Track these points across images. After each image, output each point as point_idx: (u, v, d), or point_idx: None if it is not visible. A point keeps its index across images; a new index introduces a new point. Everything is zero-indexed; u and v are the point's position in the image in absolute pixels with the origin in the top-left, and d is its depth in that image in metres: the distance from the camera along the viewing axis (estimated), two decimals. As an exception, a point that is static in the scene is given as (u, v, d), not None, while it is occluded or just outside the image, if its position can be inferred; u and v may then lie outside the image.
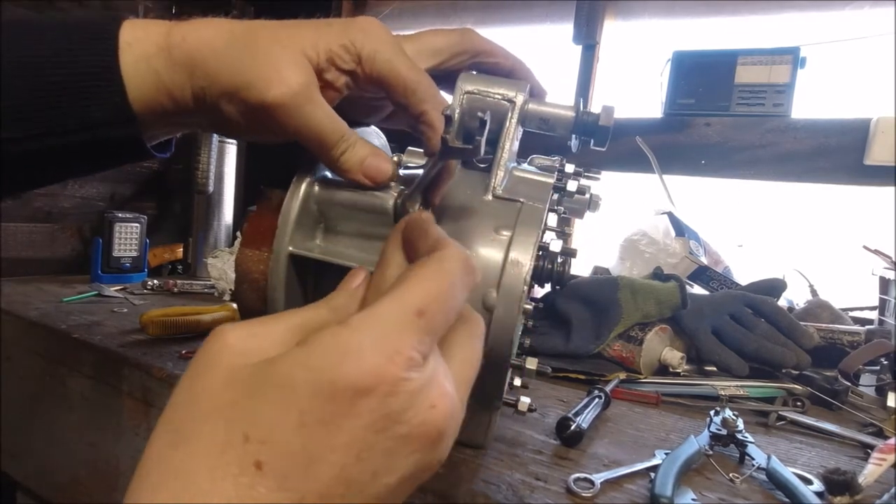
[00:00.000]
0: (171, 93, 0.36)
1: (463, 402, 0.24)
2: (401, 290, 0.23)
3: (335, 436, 0.20)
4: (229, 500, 0.19)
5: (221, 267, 0.93)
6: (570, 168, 0.45)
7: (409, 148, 0.48)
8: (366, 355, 0.20)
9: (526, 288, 0.35)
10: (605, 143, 0.42)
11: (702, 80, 1.09)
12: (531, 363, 0.39)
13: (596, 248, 1.11)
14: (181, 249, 1.20)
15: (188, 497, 0.19)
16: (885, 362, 0.72)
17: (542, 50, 1.35)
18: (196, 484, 0.19)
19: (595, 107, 0.41)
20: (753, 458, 0.45)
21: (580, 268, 1.06)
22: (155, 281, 0.99)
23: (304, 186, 0.38)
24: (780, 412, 0.59)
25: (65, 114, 0.34)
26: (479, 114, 0.32)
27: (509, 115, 0.41)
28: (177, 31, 0.35)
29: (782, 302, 0.87)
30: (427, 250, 0.26)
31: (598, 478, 0.40)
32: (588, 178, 0.47)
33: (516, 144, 0.42)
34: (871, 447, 0.50)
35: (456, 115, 0.40)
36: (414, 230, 0.28)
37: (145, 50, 0.35)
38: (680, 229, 0.98)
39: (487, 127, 0.32)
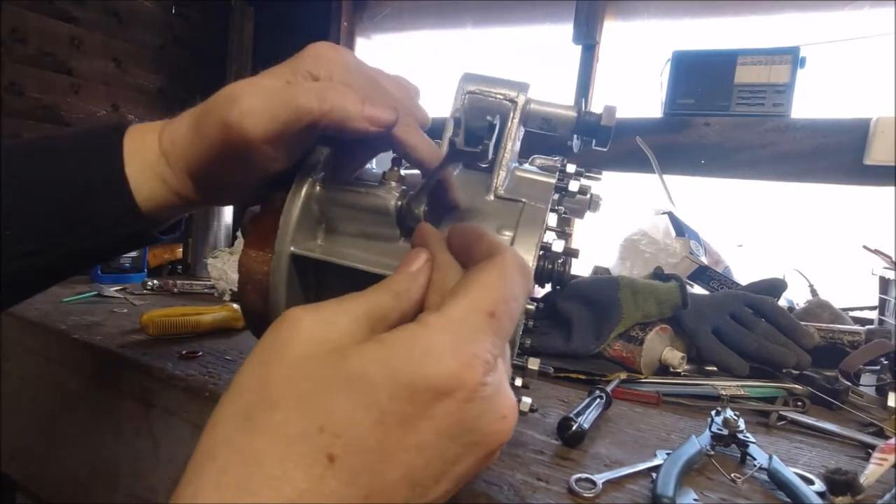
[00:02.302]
0: (178, 192, 0.40)
1: None
2: (470, 292, 0.23)
3: (410, 436, 0.20)
4: (299, 490, 0.19)
5: (221, 267, 0.93)
6: (571, 168, 0.45)
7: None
8: (445, 358, 0.21)
9: (528, 288, 0.35)
10: (606, 144, 0.42)
11: (701, 80, 1.09)
12: (533, 363, 0.39)
13: (596, 248, 1.11)
14: (181, 249, 1.20)
15: (257, 483, 0.19)
16: (885, 362, 0.72)
17: (542, 50, 1.35)
18: (266, 471, 0.19)
19: (595, 107, 0.41)
20: (755, 458, 0.45)
21: (580, 268, 1.06)
22: (155, 281, 0.98)
23: (305, 187, 0.38)
24: (780, 412, 0.59)
25: (81, 224, 0.38)
26: (489, 118, 0.32)
27: (511, 115, 0.41)
28: (166, 137, 0.39)
29: (782, 302, 0.87)
30: (485, 254, 0.26)
31: (600, 478, 0.40)
32: (589, 178, 0.47)
33: (518, 144, 0.42)
34: (872, 447, 0.50)
35: (463, 119, 0.40)
36: (467, 236, 0.28)
37: (147, 158, 0.39)
38: (680, 229, 0.98)
39: (497, 131, 0.32)
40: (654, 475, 0.41)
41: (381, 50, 1.66)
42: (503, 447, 0.24)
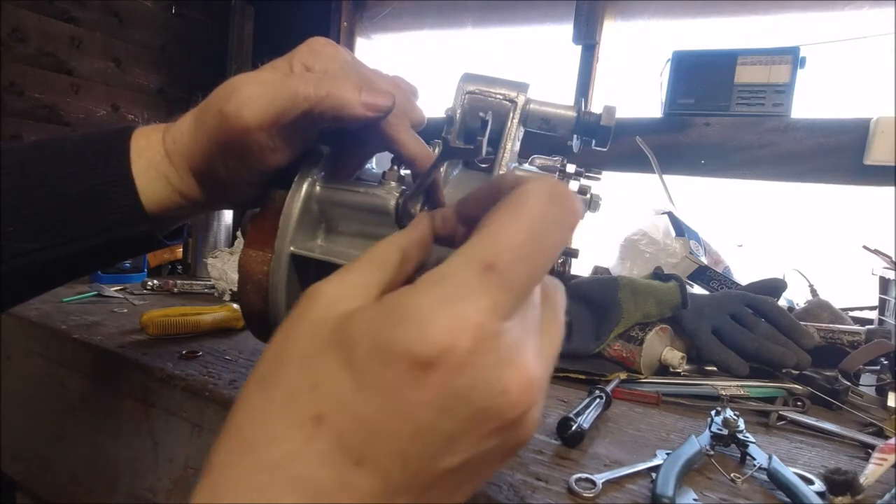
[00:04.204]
0: (181, 191, 0.40)
1: (546, 383, 0.21)
2: (469, 243, 0.20)
3: (390, 405, 0.19)
4: (292, 448, 0.19)
5: (221, 267, 0.93)
6: (571, 168, 0.45)
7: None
8: (427, 322, 0.18)
9: (527, 288, 0.35)
10: (606, 144, 0.42)
11: (702, 80, 1.09)
12: (532, 363, 0.39)
13: (596, 248, 1.11)
14: (181, 249, 1.20)
15: (263, 439, 0.20)
16: (885, 362, 0.72)
17: (542, 50, 1.35)
18: (269, 427, 0.20)
19: (595, 107, 0.41)
20: (754, 458, 0.45)
21: (580, 268, 1.06)
22: (155, 281, 0.98)
23: (305, 187, 0.38)
24: (780, 412, 0.59)
25: (86, 222, 0.38)
26: (481, 114, 0.32)
27: (510, 115, 0.41)
28: (168, 136, 0.39)
29: (782, 302, 0.87)
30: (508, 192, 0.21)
31: (600, 478, 0.40)
32: (589, 178, 0.47)
33: (518, 144, 0.42)
34: (872, 447, 0.50)
35: (457, 116, 0.40)
36: (481, 194, 0.24)
37: (152, 158, 0.39)
38: (680, 229, 0.98)
39: (489, 127, 0.32)
40: (653, 475, 0.41)
41: (381, 50, 1.66)
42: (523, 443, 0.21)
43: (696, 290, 0.91)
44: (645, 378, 0.67)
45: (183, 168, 0.39)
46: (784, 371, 0.69)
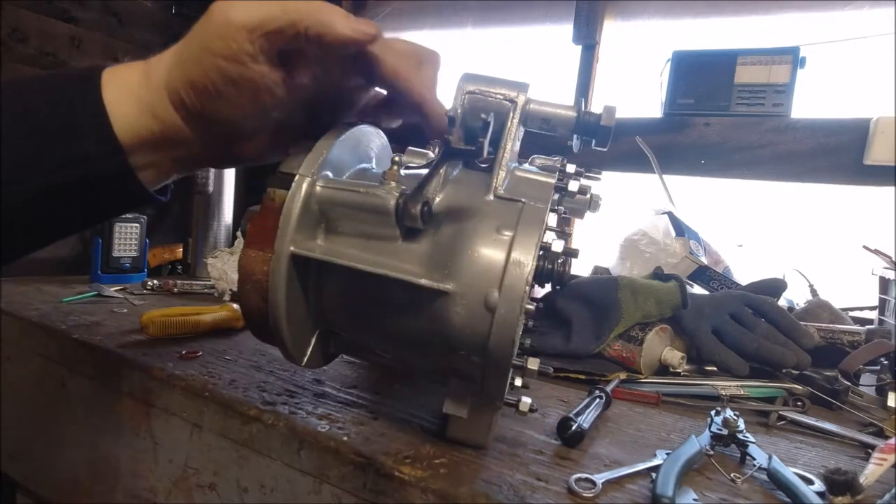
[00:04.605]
0: (155, 112, 0.38)
1: None
2: None
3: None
4: None
5: (221, 267, 0.93)
6: (571, 168, 0.45)
7: (410, 148, 0.48)
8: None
9: (528, 288, 0.35)
10: (606, 144, 0.42)
11: (702, 80, 1.09)
12: (532, 363, 0.39)
13: (596, 248, 1.11)
14: (181, 249, 1.20)
15: None
16: (885, 362, 0.72)
17: (542, 50, 1.35)
18: None
19: (595, 107, 0.41)
20: (754, 458, 0.45)
21: (580, 268, 1.06)
22: (155, 281, 0.98)
23: (305, 186, 0.38)
24: (780, 412, 0.59)
25: (54, 151, 0.36)
26: (483, 115, 0.32)
27: (510, 115, 0.41)
28: (154, 58, 0.39)
29: (782, 302, 0.87)
30: None
31: (600, 478, 0.40)
32: (589, 178, 0.47)
33: (518, 144, 0.42)
34: (872, 447, 0.50)
35: (458, 116, 0.40)
36: None
37: (127, 80, 0.38)
38: (680, 229, 0.98)
39: (491, 128, 0.32)
40: (653, 475, 0.41)
41: (381, 50, 1.65)
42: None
43: (696, 290, 0.91)
44: (645, 378, 0.67)
45: (158, 82, 0.38)
46: (784, 371, 0.69)
